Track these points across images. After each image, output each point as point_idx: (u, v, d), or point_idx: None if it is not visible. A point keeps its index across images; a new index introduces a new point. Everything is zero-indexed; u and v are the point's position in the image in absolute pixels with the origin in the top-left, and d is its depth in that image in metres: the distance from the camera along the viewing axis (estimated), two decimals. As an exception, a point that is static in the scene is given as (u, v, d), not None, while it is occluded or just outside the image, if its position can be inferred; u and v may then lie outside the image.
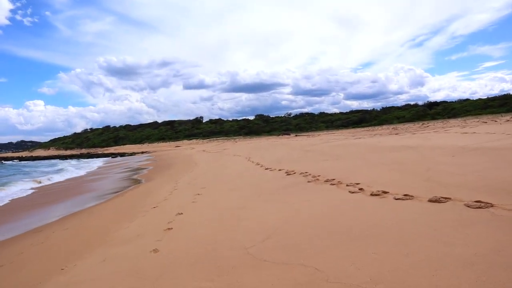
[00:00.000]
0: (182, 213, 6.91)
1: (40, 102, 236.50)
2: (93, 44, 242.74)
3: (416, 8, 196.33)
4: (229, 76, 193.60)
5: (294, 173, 9.30)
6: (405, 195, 4.86)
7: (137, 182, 16.56)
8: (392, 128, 37.72)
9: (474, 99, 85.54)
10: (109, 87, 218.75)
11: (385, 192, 5.20)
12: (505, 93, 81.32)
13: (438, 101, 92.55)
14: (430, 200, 4.40)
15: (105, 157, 62.36)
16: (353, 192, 5.63)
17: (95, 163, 39.68)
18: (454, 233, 3.25)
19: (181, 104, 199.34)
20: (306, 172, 8.81)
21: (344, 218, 4.33)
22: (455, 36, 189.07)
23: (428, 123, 45.18)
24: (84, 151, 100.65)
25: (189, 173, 16.65)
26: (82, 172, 26.16)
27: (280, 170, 10.56)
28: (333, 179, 7.07)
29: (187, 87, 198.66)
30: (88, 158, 64.03)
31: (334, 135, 33.14)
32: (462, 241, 3.06)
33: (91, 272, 4.40)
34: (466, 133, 12.68)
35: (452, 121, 39.52)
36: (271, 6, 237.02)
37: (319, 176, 7.89)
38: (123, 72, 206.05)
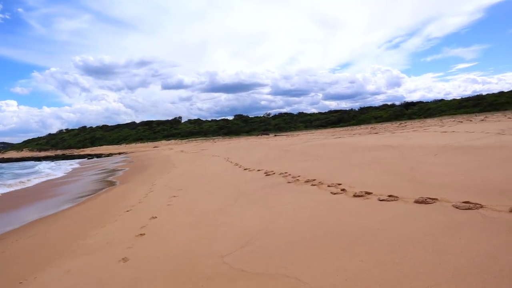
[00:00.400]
0: (156, 217, 6.54)
1: (13, 102, 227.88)
2: (69, 42, 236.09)
3: (393, 10, 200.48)
4: (208, 76, 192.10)
5: (274, 173, 9.03)
6: (389, 196, 4.64)
7: (111, 184, 15.97)
8: (371, 128, 38.06)
9: (449, 99, 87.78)
10: (86, 87, 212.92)
11: (368, 193, 4.98)
12: (477, 94, 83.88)
13: (414, 101, 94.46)
14: (416, 201, 4.20)
15: (81, 158, 60.70)
16: (335, 193, 5.39)
17: (70, 165, 38.42)
18: (446, 239, 3.02)
19: (159, 104, 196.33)
20: (285, 173, 8.56)
21: (328, 223, 4.06)
22: (430, 39, 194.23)
23: (405, 122, 45.85)
24: (59, 152, 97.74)
25: (166, 175, 16.18)
26: (55, 174, 25.19)
27: (259, 170, 10.28)
28: (314, 180, 6.83)
29: (166, 87, 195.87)
30: (63, 159, 62.15)
31: (314, 135, 33.14)
32: (455, 247, 2.83)
33: (51, 286, 4.00)
34: (445, 132, 12.72)
35: (429, 121, 40.20)
36: (251, 6, 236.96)
37: (299, 176, 7.65)
38: (100, 72, 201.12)
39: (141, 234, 5.40)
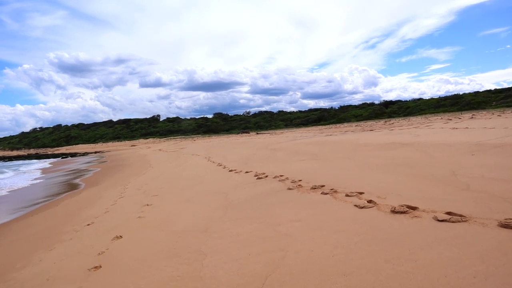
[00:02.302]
0: (121, 237, 5.00)
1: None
2: (43, 39, 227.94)
3: (369, 11, 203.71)
4: (186, 74, 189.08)
5: (266, 176, 7.60)
6: (448, 213, 3.27)
7: (77, 187, 14.16)
8: (356, 126, 37.07)
9: (426, 98, 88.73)
10: (61, 85, 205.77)
11: (412, 208, 3.60)
12: (450, 94, 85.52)
13: (393, 100, 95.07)
14: (502, 225, 2.83)
15: (55, 157, 58.06)
16: (362, 207, 3.98)
17: (41, 164, 35.94)
18: None
19: (137, 103, 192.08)
20: (281, 176, 7.14)
21: (379, 265, 2.62)
22: (405, 40, 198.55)
23: (390, 120, 45.15)
24: (32, 151, 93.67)
25: (141, 176, 14.51)
26: (19, 176, 23.00)
27: (247, 172, 8.83)
28: (322, 186, 5.43)
29: (144, 85, 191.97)
30: (36, 158, 59.29)
31: (299, 133, 31.79)
32: None
33: None
34: (455, 128, 11.56)
35: (414, 119, 39.58)
36: (229, 5, 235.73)
37: (300, 181, 6.24)
38: (76, 69, 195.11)
39: (95, 268, 3.86)
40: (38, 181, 18.63)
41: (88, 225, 6.52)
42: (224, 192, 6.84)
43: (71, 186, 14.56)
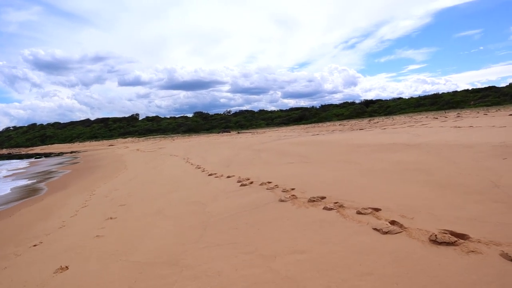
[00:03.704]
0: (67, 268, 3.85)
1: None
2: (17, 35, 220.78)
3: (349, 12, 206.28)
4: (166, 73, 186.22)
5: (251, 182, 6.55)
6: (520, 247, 2.29)
7: (37, 193, 12.73)
8: (339, 124, 36.38)
9: (406, 98, 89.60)
10: (37, 82, 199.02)
11: (459, 236, 2.61)
12: (427, 93, 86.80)
13: (373, 99, 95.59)
14: None
15: (28, 158, 55.58)
16: (386, 232, 2.97)
17: (8, 165, 33.86)
18: None
19: (116, 101, 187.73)
20: (269, 182, 6.10)
21: None
22: (383, 40, 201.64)
23: (373, 119, 44.73)
24: (4, 151, 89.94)
25: (113, 179, 13.25)
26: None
27: (229, 177, 7.76)
28: (323, 198, 4.40)
29: (123, 83, 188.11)
30: (8, 159, 56.69)
31: (283, 132, 30.76)
32: None
33: None
34: (458, 127, 10.72)
35: (398, 118, 39.22)
36: (211, 4, 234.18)
37: (293, 189, 5.21)
38: (52, 67, 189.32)
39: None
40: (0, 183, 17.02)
41: (34, 245, 5.33)
42: (202, 203, 5.74)
43: (34, 191, 13.12)
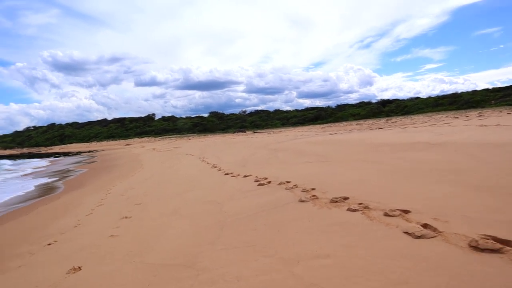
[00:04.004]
0: (80, 268, 3.73)
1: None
2: (36, 37, 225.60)
3: (364, 11, 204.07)
4: (182, 73, 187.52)
5: (269, 182, 6.35)
6: None
7: (54, 191, 12.80)
8: (356, 124, 35.85)
9: (424, 97, 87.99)
10: (55, 83, 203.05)
11: (503, 242, 2.36)
12: (445, 93, 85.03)
13: (390, 99, 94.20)
14: None
15: (48, 157, 57.04)
16: (418, 236, 2.73)
17: (31, 164, 34.49)
18: None
19: (132, 101, 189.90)
20: (288, 182, 5.89)
21: None
22: (399, 39, 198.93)
23: (391, 119, 43.94)
24: (25, 150, 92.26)
25: (129, 178, 13.24)
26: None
27: (246, 176, 7.57)
28: (346, 198, 4.17)
29: (139, 84, 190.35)
30: (28, 158, 58.16)
31: (300, 131, 30.43)
32: None
33: None
34: (484, 125, 10.29)
35: (416, 117, 38.42)
36: (225, 4, 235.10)
37: (313, 189, 4.98)
38: (70, 68, 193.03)
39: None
40: (17, 181, 17.24)
41: (49, 244, 5.24)
42: (219, 202, 5.57)
43: (51, 190, 13.21)
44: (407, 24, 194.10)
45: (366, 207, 3.69)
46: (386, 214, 3.36)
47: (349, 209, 3.76)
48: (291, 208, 4.31)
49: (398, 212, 3.33)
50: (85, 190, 11.79)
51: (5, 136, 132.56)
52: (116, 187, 11.19)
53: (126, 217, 6.00)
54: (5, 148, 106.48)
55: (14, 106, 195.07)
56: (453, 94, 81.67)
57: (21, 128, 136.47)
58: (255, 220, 4.10)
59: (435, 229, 2.79)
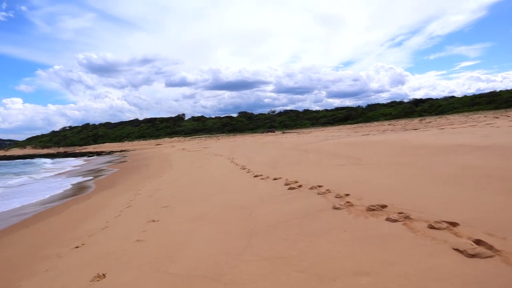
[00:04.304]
0: (104, 276, 3.62)
1: (18, 100, 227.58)
2: (73, 41, 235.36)
3: (395, 8, 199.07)
4: (211, 73, 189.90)
5: (300, 185, 6.11)
6: None
7: (85, 191, 13.02)
8: (388, 124, 34.87)
9: (459, 96, 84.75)
10: (90, 85, 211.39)
11: None
12: (482, 91, 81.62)
13: (422, 98, 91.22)
14: None
15: (82, 156, 59.56)
16: (472, 255, 2.42)
17: (67, 163, 35.73)
18: None
19: (163, 102, 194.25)
20: (320, 186, 5.63)
21: None
22: (433, 37, 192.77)
23: (425, 119, 42.47)
24: (61, 149, 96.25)
25: (158, 179, 13.28)
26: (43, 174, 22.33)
27: (276, 179, 7.35)
28: (384, 206, 3.87)
29: (169, 84, 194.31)
30: (64, 157, 60.68)
31: (330, 132, 29.90)
32: None
33: None
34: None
35: (452, 117, 36.94)
36: (253, 3, 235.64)
37: (347, 195, 4.70)
38: (104, 69, 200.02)
39: None
40: (56, 180, 17.76)
41: (76, 247, 5.22)
42: (247, 207, 5.38)
43: (84, 189, 13.47)
44: (441, 21, 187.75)
45: (407, 217, 3.39)
46: (431, 227, 3.06)
47: (388, 219, 3.47)
48: (324, 216, 4.05)
49: (445, 225, 3.02)
50: (115, 190, 11.92)
51: (43, 135, 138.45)
52: (145, 187, 11.22)
53: (153, 221, 5.90)
54: (43, 147, 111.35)
55: (51, 107, 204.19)
56: (491, 92, 78.06)
57: (57, 128, 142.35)
58: (286, 228, 3.88)
59: (491, 247, 2.47)
